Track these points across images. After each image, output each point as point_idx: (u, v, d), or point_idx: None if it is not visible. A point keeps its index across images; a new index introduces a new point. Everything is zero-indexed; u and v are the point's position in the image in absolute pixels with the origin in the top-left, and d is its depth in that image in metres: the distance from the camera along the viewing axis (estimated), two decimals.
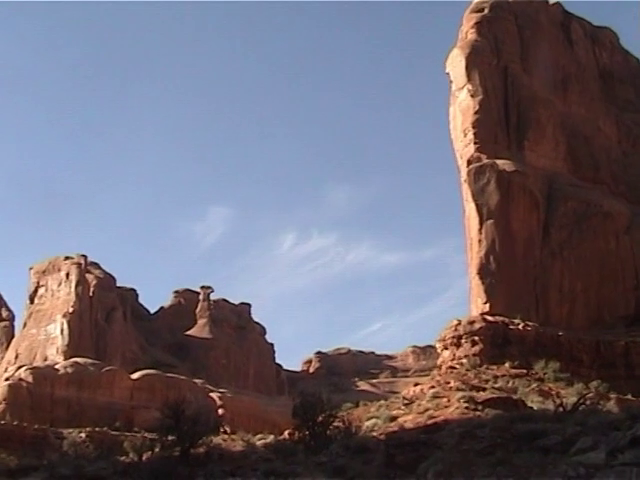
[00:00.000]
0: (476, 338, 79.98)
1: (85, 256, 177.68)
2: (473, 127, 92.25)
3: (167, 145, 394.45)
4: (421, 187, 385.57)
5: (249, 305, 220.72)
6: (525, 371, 74.06)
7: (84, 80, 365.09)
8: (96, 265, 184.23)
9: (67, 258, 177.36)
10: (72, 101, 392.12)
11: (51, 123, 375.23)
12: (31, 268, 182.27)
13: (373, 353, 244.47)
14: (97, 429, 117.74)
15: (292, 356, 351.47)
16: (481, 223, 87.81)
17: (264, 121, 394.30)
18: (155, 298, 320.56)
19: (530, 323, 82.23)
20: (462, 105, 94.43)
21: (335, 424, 39.20)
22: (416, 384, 74.22)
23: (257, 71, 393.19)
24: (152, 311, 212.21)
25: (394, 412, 54.82)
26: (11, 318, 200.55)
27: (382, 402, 70.27)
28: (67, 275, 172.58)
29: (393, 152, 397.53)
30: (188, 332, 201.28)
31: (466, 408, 51.26)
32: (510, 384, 68.56)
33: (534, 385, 68.61)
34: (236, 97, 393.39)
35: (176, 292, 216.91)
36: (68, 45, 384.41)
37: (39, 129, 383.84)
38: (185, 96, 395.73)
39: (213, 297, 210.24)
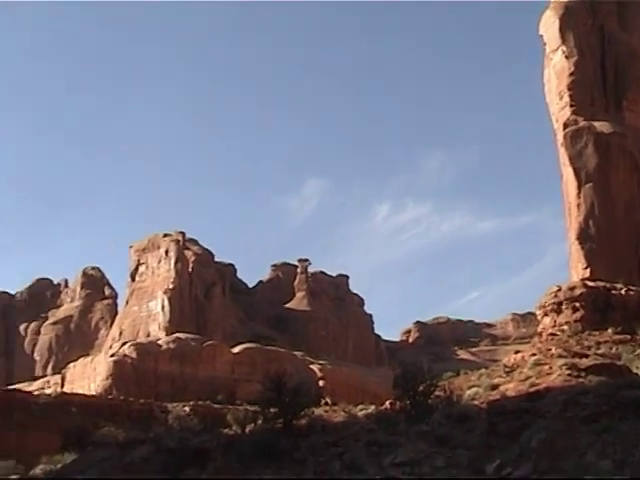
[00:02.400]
0: (577, 304, 78.70)
1: (183, 233, 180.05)
2: (568, 89, 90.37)
3: (263, 119, 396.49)
4: (516, 153, 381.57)
5: (347, 277, 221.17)
6: (629, 337, 72.57)
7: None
8: (194, 241, 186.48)
9: (166, 235, 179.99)
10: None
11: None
12: (131, 246, 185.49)
13: (472, 322, 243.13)
14: (200, 403, 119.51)
15: (391, 327, 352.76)
16: (579, 187, 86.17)
17: (357, 91, 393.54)
18: (253, 272, 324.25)
19: (633, 288, 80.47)
20: (557, 67, 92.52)
21: (436, 393, 38.98)
22: (517, 352, 73.39)
23: (350, 40, 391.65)
24: (251, 285, 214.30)
25: (495, 380, 54.26)
26: (114, 296, 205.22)
27: (483, 370, 69.67)
28: (166, 252, 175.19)
29: (485, 119, 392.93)
30: (287, 305, 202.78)
31: (568, 375, 50.36)
32: (613, 350, 67.26)
33: (639, 351, 67.19)
34: (328, 68, 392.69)
35: (274, 266, 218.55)
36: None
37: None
38: (277, 65, 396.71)
39: (311, 270, 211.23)
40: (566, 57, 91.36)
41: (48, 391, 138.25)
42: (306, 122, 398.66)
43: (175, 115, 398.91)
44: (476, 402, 41.77)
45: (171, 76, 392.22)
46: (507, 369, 60.72)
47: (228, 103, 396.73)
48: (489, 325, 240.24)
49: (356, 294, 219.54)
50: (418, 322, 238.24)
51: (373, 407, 63.63)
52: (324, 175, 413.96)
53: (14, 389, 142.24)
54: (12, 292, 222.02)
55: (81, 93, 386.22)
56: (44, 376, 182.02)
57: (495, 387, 49.41)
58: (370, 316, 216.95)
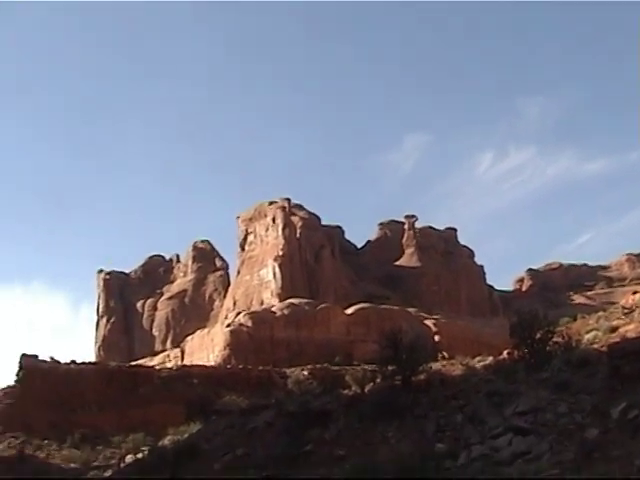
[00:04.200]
0: None
1: (289, 199, 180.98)
2: None
3: (360, 76, 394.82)
4: (618, 92, 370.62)
5: (455, 230, 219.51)
6: None
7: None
8: (300, 207, 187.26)
9: (271, 203, 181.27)
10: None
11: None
12: (238, 217, 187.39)
13: (586, 265, 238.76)
14: (318, 366, 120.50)
15: (503, 276, 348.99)
16: None
17: (451, 41, 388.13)
18: (361, 233, 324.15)
19: None
20: None
21: (554, 340, 38.44)
22: (635, 292, 71.75)
23: None
24: (359, 246, 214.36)
25: (614, 322, 53.18)
26: (225, 267, 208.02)
27: (600, 313, 68.38)
28: (273, 220, 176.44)
29: (583, 57, 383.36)
30: (397, 262, 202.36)
31: None
32: None
33: None
34: (422, 17, 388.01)
35: (381, 224, 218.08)
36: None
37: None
38: (374, 18, 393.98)
39: (418, 225, 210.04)
40: None
41: (169, 365, 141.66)
42: (402, 77, 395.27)
43: (273, 82, 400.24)
44: (595, 346, 41.04)
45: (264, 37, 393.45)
46: (626, 310, 59.45)
47: (326, 63, 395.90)
48: (603, 267, 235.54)
49: (465, 246, 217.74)
50: (530, 269, 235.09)
51: (491, 358, 63.18)
52: (423, 129, 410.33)
53: (137, 365, 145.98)
54: (127, 271, 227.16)
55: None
56: (164, 350, 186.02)
57: (614, 329, 48.41)
58: (481, 267, 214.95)
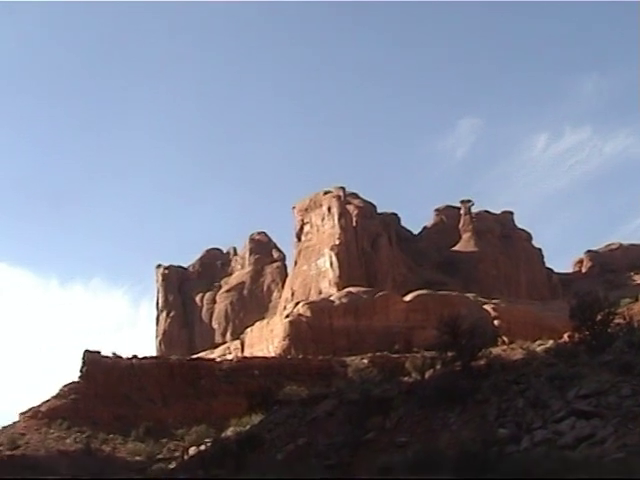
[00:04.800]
0: None
1: (343, 188, 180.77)
2: None
3: (410, 64, 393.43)
4: None
5: (511, 213, 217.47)
6: None
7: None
8: (355, 195, 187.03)
9: (326, 192, 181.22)
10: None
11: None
12: (294, 207, 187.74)
13: None
14: (378, 353, 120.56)
15: (562, 258, 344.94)
16: None
17: (498, 23, 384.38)
18: (417, 219, 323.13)
19: None
20: None
21: (615, 321, 37.97)
22: None
23: None
24: (416, 232, 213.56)
25: None
26: (282, 258, 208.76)
27: None
28: (329, 209, 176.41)
29: (636, 34, 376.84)
30: (454, 248, 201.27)
31: None
32: None
33: None
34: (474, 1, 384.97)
35: (437, 210, 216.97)
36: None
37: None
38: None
39: (474, 209, 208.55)
40: None
41: (229, 357, 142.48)
42: (453, 61, 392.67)
43: (327, 70, 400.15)
44: None
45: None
46: None
47: (376, 50, 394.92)
48: None
49: (523, 229, 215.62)
50: (589, 251, 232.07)
51: (551, 341, 62.74)
52: (476, 113, 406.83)
53: (198, 358, 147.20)
54: (185, 265, 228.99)
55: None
56: (224, 343, 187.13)
57: None
58: (539, 250, 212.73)
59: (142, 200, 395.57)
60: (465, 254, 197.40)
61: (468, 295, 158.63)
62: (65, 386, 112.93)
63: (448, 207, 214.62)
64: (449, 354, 37.09)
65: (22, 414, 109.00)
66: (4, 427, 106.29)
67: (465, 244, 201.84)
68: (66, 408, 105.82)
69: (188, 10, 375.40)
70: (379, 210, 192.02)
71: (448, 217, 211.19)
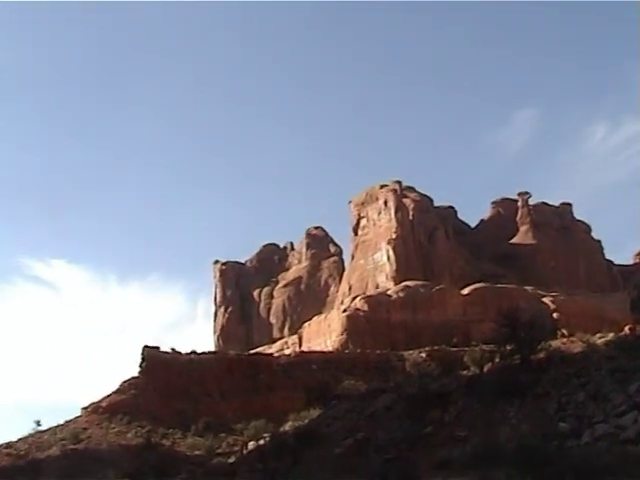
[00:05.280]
0: None
1: (400, 182, 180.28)
2: None
3: (465, 57, 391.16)
4: None
5: (570, 205, 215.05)
6: None
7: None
8: (411, 189, 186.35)
9: (383, 186, 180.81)
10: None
11: None
12: (350, 201, 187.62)
13: None
14: (435, 347, 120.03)
15: (622, 250, 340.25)
16: None
17: (551, 14, 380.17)
18: (474, 212, 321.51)
19: None
20: None
21: None
22: None
23: None
24: (473, 225, 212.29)
25: None
26: (339, 253, 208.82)
27: None
28: (385, 203, 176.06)
29: None
30: (511, 241, 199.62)
31: None
32: None
33: None
34: None
35: (493, 203, 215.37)
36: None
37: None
38: None
39: (531, 202, 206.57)
40: None
41: (287, 351, 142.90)
42: (509, 53, 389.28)
43: (380, 64, 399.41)
44: None
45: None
46: None
47: (433, 46, 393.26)
48: None
49: (581, 221, 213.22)
50: None
51: (612, 334, 61.81)
52: (533, 104, 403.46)
53: (256, 353, 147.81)
54: (242, 261, 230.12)
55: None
56: (281, 338, 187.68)
57: None
58: (599, 242, 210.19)
59: (197, 197, 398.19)
60: (523, 247, 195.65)
61: (526, 288, 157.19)
62: (125, 382, 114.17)
63: (505, 199, 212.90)
64: (508, 347, 36.78)
65: (84, 409, 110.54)
66: (67, 422, 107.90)
67: (523, 236, 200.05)
68: (126, 403, 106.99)
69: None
70: (436, 203, 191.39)
71: (505, 209, 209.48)
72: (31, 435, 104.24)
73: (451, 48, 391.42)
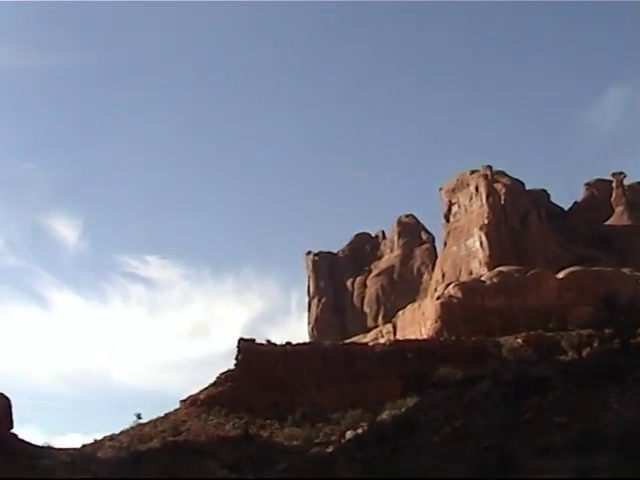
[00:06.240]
0: None
1: (490, 166, 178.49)
2: None
3: (556, 37, 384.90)
4: None
5: None
6: None
7: None
8: (502, 173, 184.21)
9: (473, 172, 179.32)
10: None
11: None
12: (441, 188, 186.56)
13: None
14: (532, 332, 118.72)
15: None
16: None
17: None
18: (567, 194, 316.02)
19: None
20: None
21: None
22: None
23: None
24: (566, 208, 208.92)
25: None
26: (431, 240, 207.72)
27: None
28: (476, 188, 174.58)
29: None
30: (607, 222, 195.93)
31: None
32: None
33: None
34: None
35: (587, 184, 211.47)
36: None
37: None
38: None
39: (627, 182, 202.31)
40: None
41: (382, 340, 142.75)
42: (598, 29, 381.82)
43: (471, 44, 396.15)
44: None
45: None
46: None
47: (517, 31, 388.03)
48: None
49: None
50: None
51: None
52: (624, 81, 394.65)
53: (351, 343, 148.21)
54: (334, 251, 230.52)
55: None
56: (376, 327, 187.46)
57: None
58: None
59: (288, 190, 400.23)
60: (619, 228, 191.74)
61: (624, 270, 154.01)
62: (222, 374, 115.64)
63: (599, 180, 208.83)
64: (606, 331, 36.20)
65: (182, 402, 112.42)
66: (166, 414, 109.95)
67: (618, 218, 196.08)
68: (224, 395, 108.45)
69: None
70: (527, 187, 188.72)
71: (599, 191, 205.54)
72: (132, 428, 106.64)
73: (543, 25, 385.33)
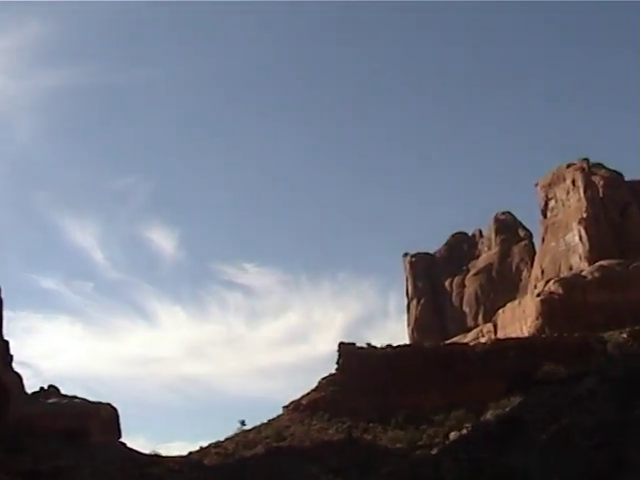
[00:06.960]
0: None
1: (587, 159, 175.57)
2: None
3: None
4: None
5: None
6: None
7: None
8: (600, 165, 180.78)
9: (569, 165, 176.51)
10: None
11: None
12: (537, 184, 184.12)
13: None
14: (637, 327, 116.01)
15: None
16: None
17: None
18: None
19: None
20: None
21: None
22: None
23: None
24: None
25: None
26: (529, 236, 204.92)
27: None
28: (573, 182, 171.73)
29: None
30: None
31: None
32: None
33: None
34: None
35: None
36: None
37: None
38: None
39: None
40: None
41: (483, 340, 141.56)
42: None
43: (560, 35, 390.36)
44: None
45: None
46: None
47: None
48: None
49: None
50: None
51: None
52: None
53: (452, 343, 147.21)
54: (431, 252, 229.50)
55: None
56: (476, 326, 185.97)
57: None
58: None
59: (381, 192, 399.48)
60: None
61: None
62: (323, 379, 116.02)
63: None
64: None
65: (285, 407, 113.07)
66: (270, 420, 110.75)
67: None
68: (326, 400, 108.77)
69: None
70: (627, 178, 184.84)
71: None
72: (237, 434, 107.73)
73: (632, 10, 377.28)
